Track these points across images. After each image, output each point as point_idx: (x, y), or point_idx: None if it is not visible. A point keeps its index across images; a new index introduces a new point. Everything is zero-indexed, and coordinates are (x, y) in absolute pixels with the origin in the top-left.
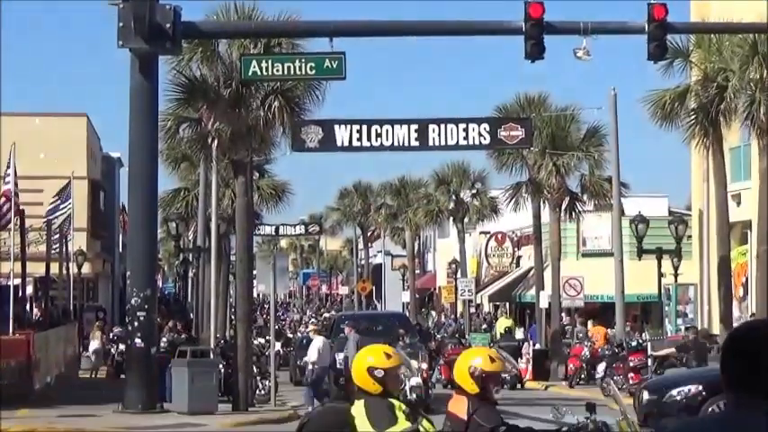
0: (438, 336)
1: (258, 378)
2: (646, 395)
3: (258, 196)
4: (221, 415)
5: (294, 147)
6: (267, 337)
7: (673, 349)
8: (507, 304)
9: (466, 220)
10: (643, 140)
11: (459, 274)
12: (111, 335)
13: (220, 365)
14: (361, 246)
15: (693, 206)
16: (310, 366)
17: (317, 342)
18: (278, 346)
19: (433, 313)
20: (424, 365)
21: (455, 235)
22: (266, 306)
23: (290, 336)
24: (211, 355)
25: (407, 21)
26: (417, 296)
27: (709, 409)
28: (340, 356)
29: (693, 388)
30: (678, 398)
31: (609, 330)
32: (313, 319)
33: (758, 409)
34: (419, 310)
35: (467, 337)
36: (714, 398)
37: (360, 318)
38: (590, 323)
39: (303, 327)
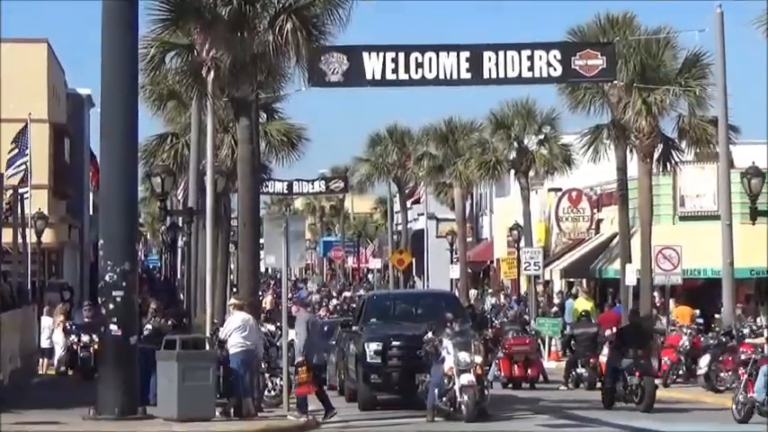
0: (496, 321)
1: (267, 375)
2: None
3: (266, 144)
4: (219, 422)
5: (312, 81)
6: (278, 323)
7: (610, 332)
8: (584, 281)
9: (531, 173)
10: (757, 72)
11: (522, 243)
12: (68, 324)
13: (218, 359)
14: (397, 207)
15: None
16: (234, 350)
17: (235, 320)
18: (292, 334)
19: (490, 293)
20: (479, 359)
21: (517, 193)
22: (271, 282)
23: None
24: (207, 346)
25: None
26: (470, 271)
27: None
28: (371, 347)
29: None
30: None
31: (697, 311)
32: (319, 297)
33: None
34: (474, 288)
35: (533, 322)
36: None
37: (396, 298)
38: (672, 302)
39: (324, 310)
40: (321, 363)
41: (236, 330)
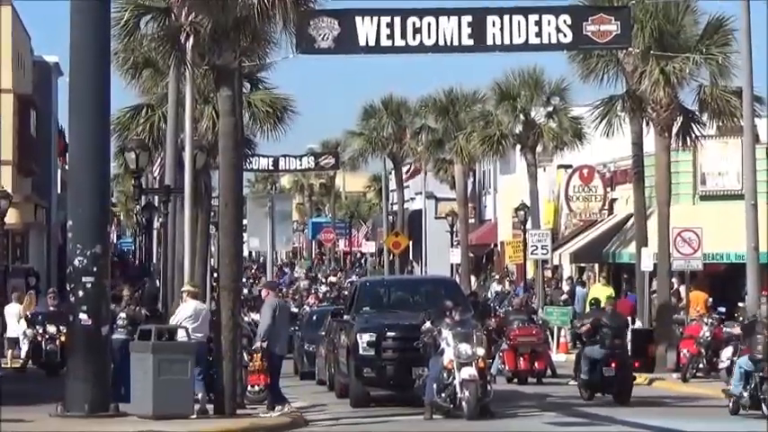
0: (500, 310)
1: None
2: None
3: (250, 116)
4: (198, 420)
5: (300, 47)
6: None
7: (588, 325)
8: (596, 266)
9: (538, 149)
10: None
11: (529, 225)
12: (28, 313)
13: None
14: (393, 185)
15: None
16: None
17: (187, 309)
18: None
19: (496, 279)
20: (481, 351)
21: (523, 170)
22: (253, 267)
23: (295, 310)
24: (185, 337)
25: None
26: (472, 255)
27: None
28: (364, 339)
29: None
30: None
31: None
32: (307, 283)
33: None
34: (475, 275)
35: (540, 311)
36: None
37: (391, 284)
38: (682, 289)
39: (312, 297)
40: (283, 354)
41: (186, 320)
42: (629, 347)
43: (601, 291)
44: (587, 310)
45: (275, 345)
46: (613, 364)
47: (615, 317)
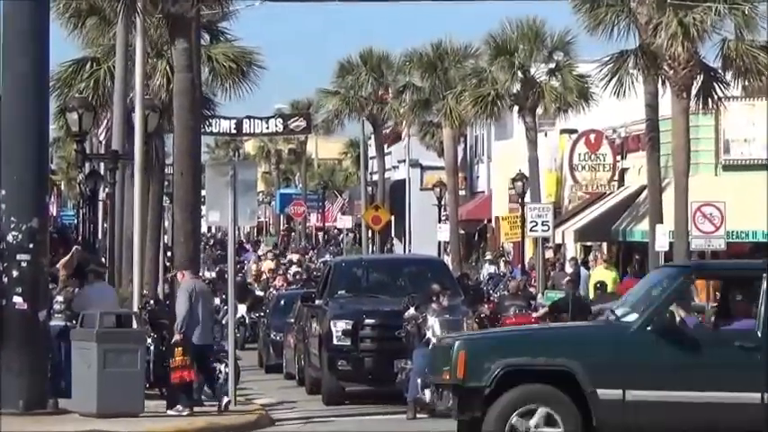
0: (494, 295)
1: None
2: None
3: (210, 72)
4: (149, 418)
5: None
6: (224, 296)
7: (546, 309)
8: (604, 245)
9: (539, 111)
10: None
11: (528, 198)
12: None
13: (149, 340)
14: (372, 152)
15: None
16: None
17: (90, 292)
18: (241, 309)
19: (488, 260)
20: None
21: (522, 135)
22: (207, 247)
23: (260, 293)
24: (134, 324)
25: None
26: (462, 232)
27: None
28: (338, 327)
29: None
30: None
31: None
32: (273, 264)
33: None
34: (466, 253)
35: (539, 296)
36: None
37: (370, 265)
38: None
39: (280, 280)
40: (205, 342)
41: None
42: None
43: (604, 274)
44: (591, 294)
45: (192, 333)
46: None
47: (575, 300)
